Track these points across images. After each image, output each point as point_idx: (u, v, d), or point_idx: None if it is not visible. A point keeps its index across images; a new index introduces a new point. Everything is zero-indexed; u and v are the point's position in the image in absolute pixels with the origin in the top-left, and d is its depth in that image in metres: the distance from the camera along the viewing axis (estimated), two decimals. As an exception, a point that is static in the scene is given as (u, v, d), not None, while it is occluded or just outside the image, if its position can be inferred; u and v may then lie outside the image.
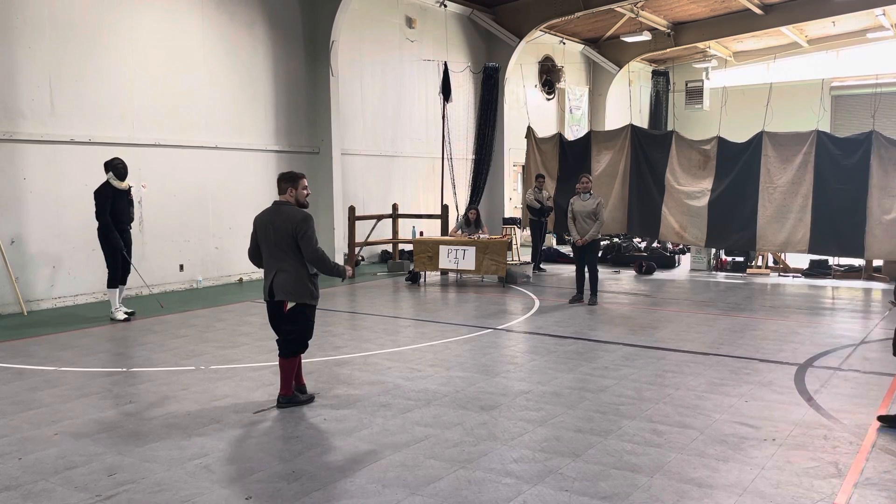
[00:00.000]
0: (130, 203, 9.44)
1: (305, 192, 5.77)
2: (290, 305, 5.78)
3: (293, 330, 5.73)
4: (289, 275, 5.63)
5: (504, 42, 18.26)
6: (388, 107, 15.98)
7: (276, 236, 5.59)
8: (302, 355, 5.90)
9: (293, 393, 5.80)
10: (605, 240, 16.39)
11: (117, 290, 9.32)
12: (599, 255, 12.79)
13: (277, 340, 5.82)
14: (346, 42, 14.43)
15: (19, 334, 8.51)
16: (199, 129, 12.04)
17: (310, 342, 5.93)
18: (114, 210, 9.13)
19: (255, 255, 5.85)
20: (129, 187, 9.39)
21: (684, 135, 14.39)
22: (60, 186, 10.18)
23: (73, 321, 9.25)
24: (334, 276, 5.77)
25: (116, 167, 9.16)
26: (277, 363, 5.83)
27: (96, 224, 9.16)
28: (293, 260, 5.61)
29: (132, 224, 9.58)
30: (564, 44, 21.43)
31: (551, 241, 18.08)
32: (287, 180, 5.73)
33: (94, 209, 9.13)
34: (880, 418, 5.27)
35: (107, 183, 9.13)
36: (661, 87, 25.31)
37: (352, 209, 13.54)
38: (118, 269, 9.24)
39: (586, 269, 10.61)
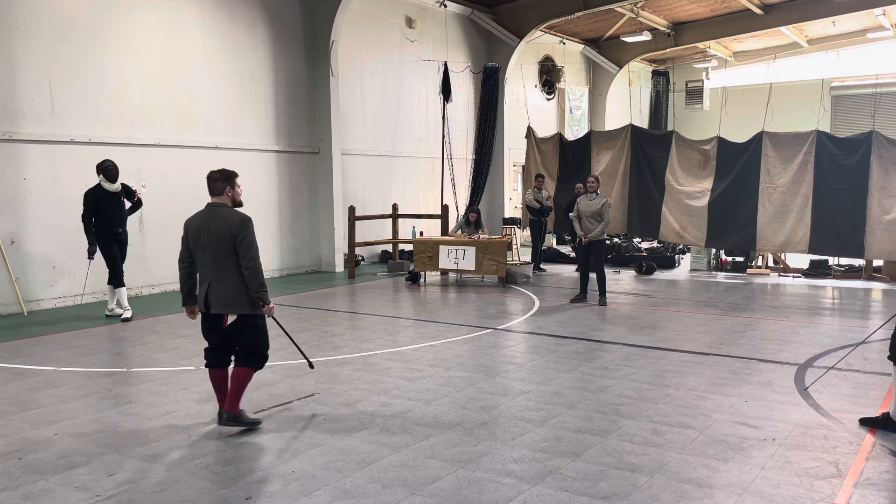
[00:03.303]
0: (124, 204, 9.39)
1: (240, 190, 5.36)
2: (231, 318, 5.26)
3: (246, 345, 5.18)
4: (226, 284, 5.06)
5: (504, 42, 18.25)
6: (388, 107, 15.97)
7: (211, 242, 5.07)
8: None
9: (240, 411, 5.17)
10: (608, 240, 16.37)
11: (123, 288, 9.32)
12: (608, 257, 12.77)
13: (206, 350, 5.32)
14: (346, 42, 14.43)
15: (19, 334, 8.51)
16: (199, 129, 12.04)
17: (303, 346, 5.85)
18: (105, 213, 9.10)
19: (186, 264, 5.23)
20: (123, 187, 9.32)
21: (684, 135, 14.39)
22: (60, 186, 10.17)
23: (73, 321, 9.25)
24: (255, 295, 5.02)
25: (107, 169, 9.09)
26: (238, 372, 5.20)
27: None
28: (230, 268, 5.04)
29: (128, 224, 9.55)
30: (564, 44, 21.43)
31: (551, 241, 18.07)
32: (223, 179, 5.26)
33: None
34: (862, 421, 5.24)
35: (97, 185, 9.10)
36: (661, 87, 25.31)
37: (352, 209, 13.54)
38: (118, 265, 9.24)
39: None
